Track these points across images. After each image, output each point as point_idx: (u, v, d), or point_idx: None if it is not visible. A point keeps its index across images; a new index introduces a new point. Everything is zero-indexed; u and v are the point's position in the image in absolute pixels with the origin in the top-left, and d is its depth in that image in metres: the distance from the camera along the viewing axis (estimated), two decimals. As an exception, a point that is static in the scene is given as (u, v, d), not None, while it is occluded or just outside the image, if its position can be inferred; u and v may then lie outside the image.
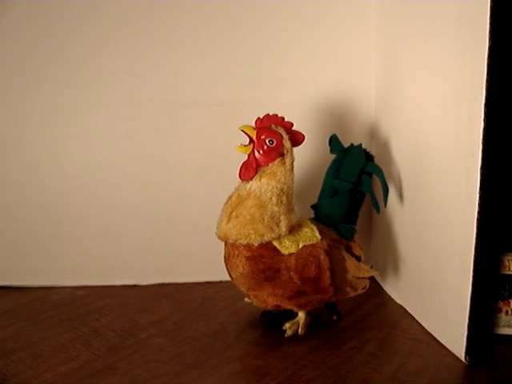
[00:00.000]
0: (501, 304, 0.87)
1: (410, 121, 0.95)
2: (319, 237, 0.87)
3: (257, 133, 0.85)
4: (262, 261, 0.83)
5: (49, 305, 1.03)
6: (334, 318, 0.95)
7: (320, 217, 0.96)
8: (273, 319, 0.94)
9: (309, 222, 0.90)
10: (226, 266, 0.89)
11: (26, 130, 1.08)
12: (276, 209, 0.84)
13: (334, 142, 0.99)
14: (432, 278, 0.88)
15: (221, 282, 1.10)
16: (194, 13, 1.07)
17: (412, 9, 0.93)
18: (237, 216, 0.83)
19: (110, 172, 1.11)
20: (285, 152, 0.86)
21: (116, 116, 1.09)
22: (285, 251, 0.84)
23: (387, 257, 1.08)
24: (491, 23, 0.68)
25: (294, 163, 0.87)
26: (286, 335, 0.89)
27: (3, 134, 1.08)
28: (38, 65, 1.06)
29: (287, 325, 0.91)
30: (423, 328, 0.91)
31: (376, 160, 1.02)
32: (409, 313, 0.98)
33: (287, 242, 0.85)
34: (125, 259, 1.13)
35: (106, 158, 1.10)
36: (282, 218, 0.84)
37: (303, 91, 1.10)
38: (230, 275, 0.89)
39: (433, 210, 0.87)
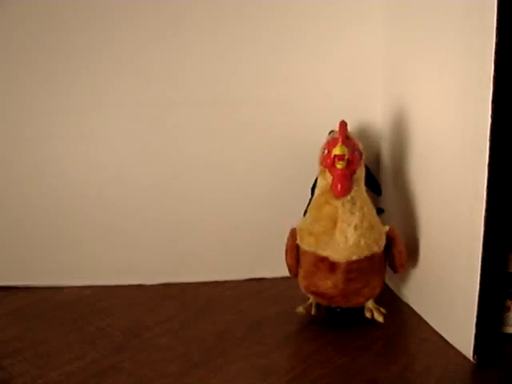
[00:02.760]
0: (509, 303, 0.86)
1: (417, 118, 0.94)
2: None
3: (349, 151, 0.82)
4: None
5: (54, 305, 1.03)
6: (338, 310, 0.93)
7: None
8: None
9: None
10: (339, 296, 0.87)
11: (30, 131, 1.08)
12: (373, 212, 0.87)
13: None
14: (439, 276, 0.88)
15: (226, 281, 1.09)
16: (198, 12, 1.07)
17: (418, 6, 0.92)
18: (356, 229, 0.83)
19: (114, 172, 1.10)
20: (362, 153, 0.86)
21: (120, 116, 1.09)
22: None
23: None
24: (498, 19, 0.67)
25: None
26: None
27: (7, 135, 1.08)
28: (42, 64, 1.06)
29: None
30: (430, 327, 0.91)
31: (382, 158, 1.01)
32: (416, 312, 0.97)
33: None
34: (130, 259, 1.13)
35: (111, 158, 1.10)
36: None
37: (307, 90, 1.09)
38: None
39: (439, 208, 0.87)
